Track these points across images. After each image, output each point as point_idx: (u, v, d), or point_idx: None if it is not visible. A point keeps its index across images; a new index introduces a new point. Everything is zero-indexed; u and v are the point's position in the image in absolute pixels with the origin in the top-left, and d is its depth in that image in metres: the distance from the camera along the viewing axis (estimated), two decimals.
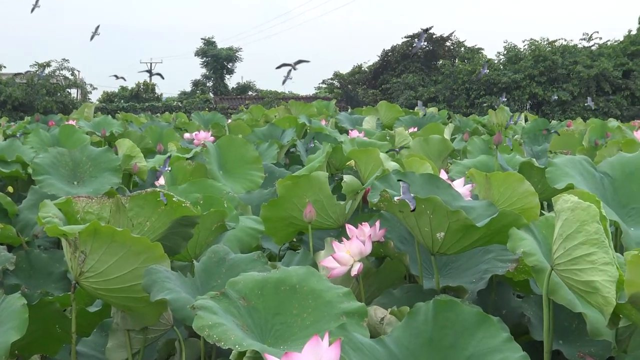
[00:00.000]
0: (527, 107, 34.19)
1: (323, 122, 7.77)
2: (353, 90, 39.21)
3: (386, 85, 37.81)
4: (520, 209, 2.79)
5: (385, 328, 2.15)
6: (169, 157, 4.39)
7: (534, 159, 4.14)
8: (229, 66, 55.91)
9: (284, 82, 13.94)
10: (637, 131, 5.73)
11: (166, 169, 4.10)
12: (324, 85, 47.27)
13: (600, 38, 38.23)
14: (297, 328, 1.94)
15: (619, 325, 2.03)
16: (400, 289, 2.56)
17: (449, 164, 4.23)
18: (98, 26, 17.80)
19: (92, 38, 17.86)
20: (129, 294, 2.26)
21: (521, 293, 2.86)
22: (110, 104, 42.46)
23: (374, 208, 2.70)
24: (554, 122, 8.28)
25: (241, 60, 56.94)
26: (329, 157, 4.92)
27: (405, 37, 39.55)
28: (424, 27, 39.13)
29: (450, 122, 8.89)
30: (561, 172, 2.73)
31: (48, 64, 38.64)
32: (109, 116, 9.50)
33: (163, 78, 58.83)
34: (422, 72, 37.73)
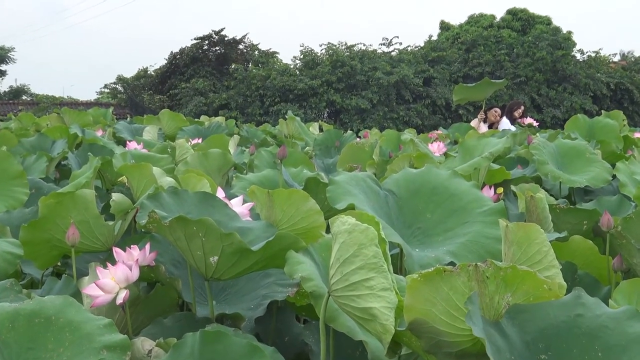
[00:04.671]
0: (325, 115, 34.89)
1: (99, 132, 7.61)
2: (138, 95, 38.52)
3: (174, 90, 37.38)
4: (305, 228, 2.85)
5: None
6: None
7: (323, 174, 4.24)
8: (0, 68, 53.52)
9: None
10: (432, 144, 5.93)
11: None
12: (106, 90, 46.24)
13: (400, 43, 39.43)
14: None
15: (402, 352, 2.11)
16: (171, 317, 2.54)
17: (234, 178, 4.23)
18: None
19: None
20: None
21: (308, 318, 2.92)
22: None
23: (143, 230, 2.67)
24: (349, 132, 8.49)
25: (14, 62, 54.70)
26: (104, 171, 4.83)
27: (194, 39, 39.37)
28: (216, 29, 39.15)
29: (238, 132, 8.96)
30: (343, 191, 2.80)
31: None
32: None
33: None
34: (213, 76, 37.62)
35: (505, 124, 10.74)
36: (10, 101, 45.80)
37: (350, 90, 35.02)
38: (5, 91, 54.99)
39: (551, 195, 4.34)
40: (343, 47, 37.10)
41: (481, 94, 11.46)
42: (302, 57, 37.22)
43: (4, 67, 53.96)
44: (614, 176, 4.49)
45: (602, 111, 8.26)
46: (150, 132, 8.10)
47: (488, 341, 1.59)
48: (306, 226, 2.86)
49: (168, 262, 2.78)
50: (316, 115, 33.76)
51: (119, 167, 4.00)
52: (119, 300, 2.34)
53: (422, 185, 3.00)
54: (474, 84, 11.57)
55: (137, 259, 2.47)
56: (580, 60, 38.07)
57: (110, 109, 11.81)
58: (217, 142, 6.18)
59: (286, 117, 8.60)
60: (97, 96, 50.00)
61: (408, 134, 7.08)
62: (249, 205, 2.88)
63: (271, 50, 40.63)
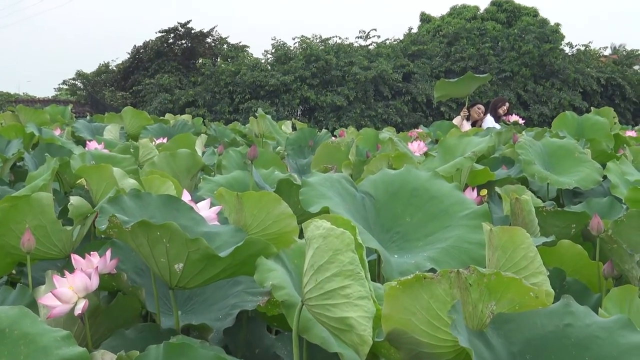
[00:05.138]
0: (298, 113, 34.79)
1: (57, 132, 7.57)
2: (99, 92, 38.32)
3: (138, 87, 37.15)
4: (276, 233, 2.84)
5: None
6: None
7: (296, 175, 4.24)
8: None
9: None
10: (412, 143, 5.94)
11: None
12: (65, 87, 45.92)
13: (379, 36, 39.62)
14: None
15: None
16: (134, 329, 2.52)
17: (201, 179, 4.22)
18: None
19: None
20: None
21: (280, 329, 2.92)
22: None
23: (103, 236, 2.65)
24: (324, 130, 8.49)
25: None
26: (63, 172, 4.80)
27: (159, 31, 39.15)
28: (181, 21, 38.99)
29: (205, 131, 8.95)
30: (317, 193, 2.79)
31: None
32: None
33: None
34: (180, 72, 37.44)
35: (489, 121, 10.79)
36: None
37: (325, 86, 34.91)
38: None
39: (538, 197, 4.35)
40: (317, 41, 37.00)
41: (464, 89, 11.51)
42: (273, 51, 37.11)
43: None
44: (605, 177, 4.51)
45: (592, 108, 8.31)
46: (111, 131, 8.05)
47: (474, 352, 1.59)
48: (278, 231, 2.85)
49: (130, 270, 2.76)
50: (289, 112, 33.70)
51: (78, 168, 3.97)
52: (78, 311, 2.32)
53: (401, 187, 3.00)
54: (456, 79, 11.62)
55: (97, 267, 2.45)
56: (569, 54, 38.26)
57: (69, 107, 11.78)
58: (183, 141, 6.16)
59: (257, 115, 8.60)
60: (55, 93, 49.60)
61: (386, 133, 7.07)
62: (216, 208, 2.87)
63: (241, 44, 40.50)
